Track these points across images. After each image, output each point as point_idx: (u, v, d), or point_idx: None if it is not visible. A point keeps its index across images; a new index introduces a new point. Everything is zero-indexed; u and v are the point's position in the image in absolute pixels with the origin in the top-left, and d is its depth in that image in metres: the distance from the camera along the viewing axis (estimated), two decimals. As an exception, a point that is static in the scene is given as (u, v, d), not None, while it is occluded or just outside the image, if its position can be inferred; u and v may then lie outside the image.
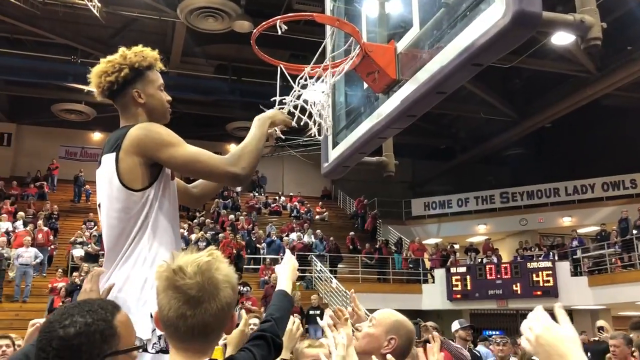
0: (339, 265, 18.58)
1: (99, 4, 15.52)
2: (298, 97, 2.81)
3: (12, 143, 22.99)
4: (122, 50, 2.32)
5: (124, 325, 1.43)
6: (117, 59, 2.27)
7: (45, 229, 15.87)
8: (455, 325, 6.28)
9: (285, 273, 2.02)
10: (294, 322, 2.33)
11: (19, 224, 16.15)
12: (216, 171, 2.16)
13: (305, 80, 2.88)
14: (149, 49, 2.38)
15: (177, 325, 1.39)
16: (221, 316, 1.41)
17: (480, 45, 2.22)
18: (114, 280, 2.08)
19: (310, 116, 2.87)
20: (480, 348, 7.63)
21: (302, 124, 2.86)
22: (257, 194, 23.57)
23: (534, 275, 16.67)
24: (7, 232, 15.20)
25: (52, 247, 16.27)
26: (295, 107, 2.78)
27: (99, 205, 2.25)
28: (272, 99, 2.77)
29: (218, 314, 1.40)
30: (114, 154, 2.13)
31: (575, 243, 18.34)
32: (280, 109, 2.73)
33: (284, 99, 2.78)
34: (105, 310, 1.42)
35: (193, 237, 16.33)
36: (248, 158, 2.20)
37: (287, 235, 19.13)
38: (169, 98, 2.42)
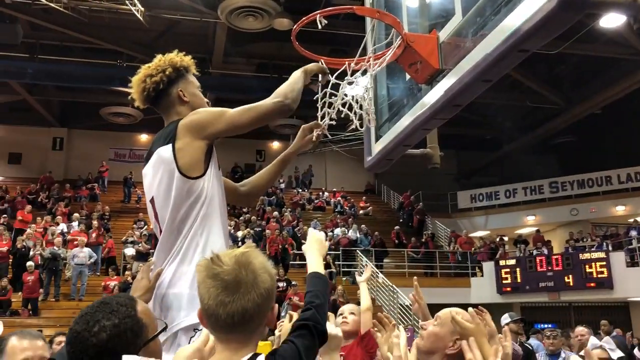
0: (384, 260, 18.50)
1: (142, 9, 15.86)
2: (330, 90, 2.80)
3: (64, 147, 23.81)
4: (159, 56, 2.43)
5: (146, 315, 1.50)
6: (158, 62, 2.37)
7: (101, 229, 16.38)
8: (505, 319, 6.16)
9: (312, 252, 1.91)
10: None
11: (74, 224, 16.70)
12: (267, 108, 2.32)
13: (346, 74, 2.87)
14: (183, 53, 2.49)
15: (217, 313, 1.42)
16: (260, 302, 1.43)
17: (526, 31, 2.16)
18: (168, 273, 2.13)
19: (351, 109, 2.87)
20: (532, 341, 7.49)
21: (342, 116, 2.86)
22: (300, 190, 23.69)
23: (587, 266, 16.17)
24: (62, 233, 15.75)
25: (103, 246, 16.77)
26: (335, 101, 2.78)
27: (151, 200, 2.30)
28: (315, 97, 2.78)
29: (256, 300, 1.42)
30: (169, 146, 2.19)
31: (633, 233, 17.65)
32: (322, 105, 2.74)
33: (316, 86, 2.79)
34: (126, 307, 1.46)
35: (239, 234, 16.54)
36: (289, 88, 2.40)
37: (332, 231, 19.16)
38: (207, 100, 2.52)
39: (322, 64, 2.89)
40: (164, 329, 1.71)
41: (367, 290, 3.60)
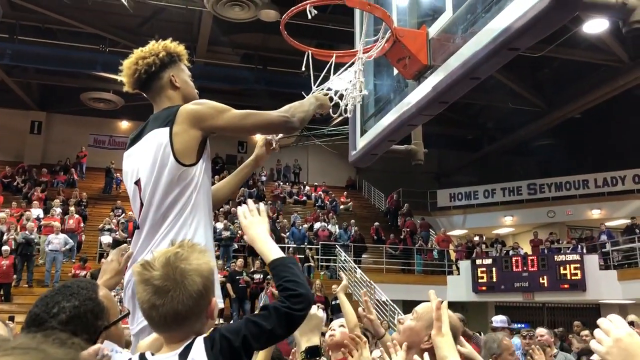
0: (363, 256, 18.57)
1: (127, -7, 15.61)
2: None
3: (42, 131, 23.40)
4: (152, 42, 2.42)
5: (107, 299, 1.52)
6: (151, 47, 2.37)
7: (77, 215, 16.14)
8: (503, 322, 6.11)
9: (257, 238, 1.73)
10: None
11: (50, 210, 16.43)
12: (270, 119, 2.35)
13: (333, 66, 2.86)
14: (177, 42, 2.48)
15: (151, 315, 1.48)
16: (191, 304, 1.46)
17: (517, 29, 2.16)
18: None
19: (339, 100, 2.86)
20: (515, 340, 7.61)
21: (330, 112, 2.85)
22: (282, 183, 23.65)
23: (562, 268, 16.42)
24: (38, 219, 15.50)
25: (81, 233, 16.53)
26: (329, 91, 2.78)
27: (137, 182, 2.24)
28: (324, 89, 2.76)
29: (186, 302, 1.45)
30: (167, 129, 2.15)
31: (603, 237, 17.99)
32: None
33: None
34: (87, 290, 1.48)
35: (219, 225, 16.43)
36: (299, 110, 2.42)
37: (312, 225, 19.16)
38: (197, 91, 2.51)
39: (309, 54, 2.87)
40: (127, 315, 1.71)
41: (347, 303, 3.17)
